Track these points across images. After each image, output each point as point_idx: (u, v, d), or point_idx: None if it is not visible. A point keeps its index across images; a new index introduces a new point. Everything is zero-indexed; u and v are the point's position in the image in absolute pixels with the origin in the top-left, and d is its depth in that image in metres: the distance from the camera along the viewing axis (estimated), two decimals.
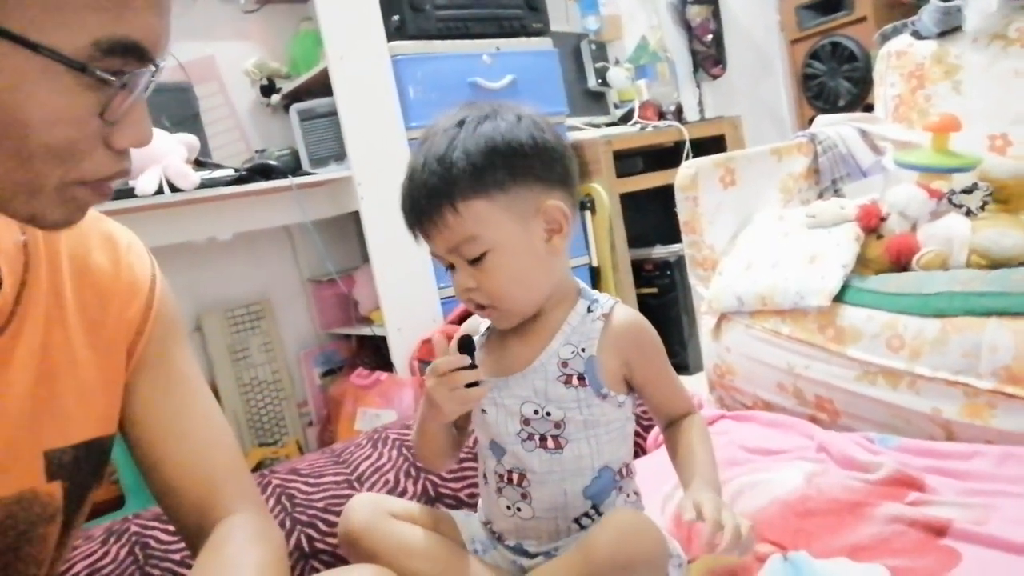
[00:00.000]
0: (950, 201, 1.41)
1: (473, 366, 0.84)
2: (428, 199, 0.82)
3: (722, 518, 0.77)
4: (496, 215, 0.81)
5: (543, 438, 0.88)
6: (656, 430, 1.46)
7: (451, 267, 0.86)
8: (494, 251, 0.82)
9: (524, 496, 0.89)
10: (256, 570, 0.69)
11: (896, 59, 1.93)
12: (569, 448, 0.87)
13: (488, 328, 0.94)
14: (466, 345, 0.86)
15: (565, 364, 0.87)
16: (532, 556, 0.91)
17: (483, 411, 0.91)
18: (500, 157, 0.81)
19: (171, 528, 1.02)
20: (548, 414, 0.87)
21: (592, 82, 2.84)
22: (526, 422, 0.88)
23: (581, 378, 0.87)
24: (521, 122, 0.84)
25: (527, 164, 0.83)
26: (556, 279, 0.89)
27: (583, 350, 0.87)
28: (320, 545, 1.09)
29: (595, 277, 2.44)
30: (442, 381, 0.84)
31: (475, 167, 0.80)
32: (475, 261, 0.83)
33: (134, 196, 1.69)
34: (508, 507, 0.91)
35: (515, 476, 0.89)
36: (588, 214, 2.44)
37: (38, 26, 0.50)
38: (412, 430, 1.11)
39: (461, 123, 0.83)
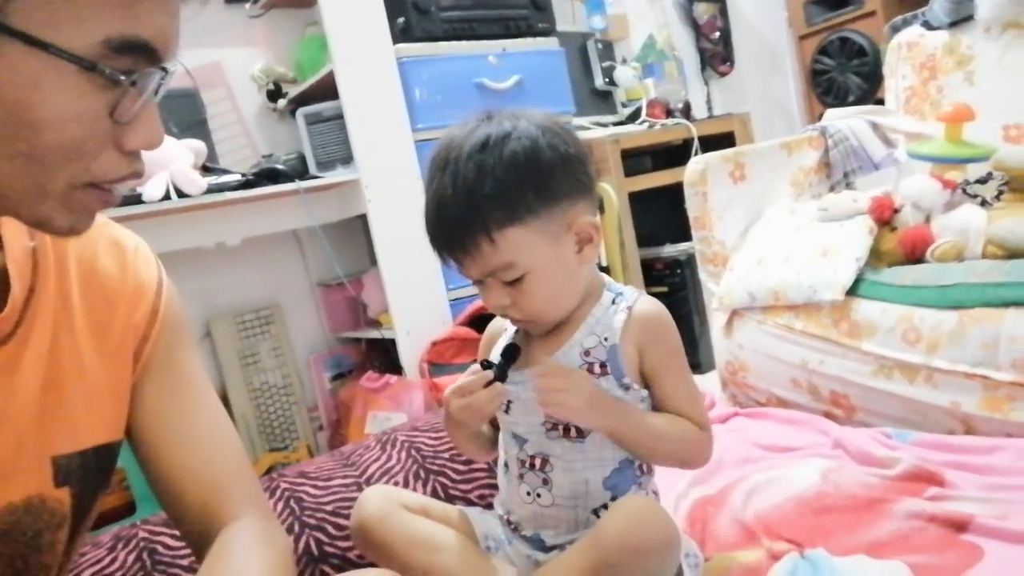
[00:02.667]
0: (964, 191, 1.39)
1: (500, 377, 0.86)
2: (462, 230, 0.81)
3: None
4: (531, 239, 0.81)
5: (567, 428, 0.88)
6: None
7: (479, 282, 0.86)
8: (531, 273, 0.82)
9: (545, 482, 0.89)
10: (261, 575, 0.67)
11: (907, 50, 1.91)
12: (591, 437, 0.87)
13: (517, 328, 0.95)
14: (507, 353, 0.88)
15: (587, 353, 0.87)
16: (547, 550, 0.90)
17: (506, 409, 0.91)
18: (530, 181, 0.80)
19: (179, 533, 1.02)
20: None
21: (599, 81, 2.83)
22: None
23: (603, 366, 0.87)
24: (543, 136, 0.82)
25: (555, 182, 0.82)
26: (586, 282, 0.89)
27: (606, 339, 0.87)
28: (329, 549, 1.08)
29: None
30: (465, 401, 0.86)
31: (508, 195, 0.80)
32: (511, 282, 0.83)
33: (141, 202, 1.69)
34: (528, 493, 0.90)
35: (538, 461, 0.89)
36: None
37: (48, 25, 0.51)
38: (427, 433, 1.11)
39: (484, 145, 0.81)
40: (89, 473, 0.71)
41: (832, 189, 1.88)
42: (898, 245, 1.41)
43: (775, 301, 1.51)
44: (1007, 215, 1.30)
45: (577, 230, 0.85)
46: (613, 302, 0.89)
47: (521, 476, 0.91)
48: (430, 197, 0.84)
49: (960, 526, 0.95)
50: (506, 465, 0.95)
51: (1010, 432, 1.17)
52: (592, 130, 2.60)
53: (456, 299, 2.11)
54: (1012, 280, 1.18)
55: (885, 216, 1.46)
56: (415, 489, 1.17)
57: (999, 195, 1.35)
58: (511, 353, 0.88)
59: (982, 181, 1.38)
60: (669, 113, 2.78)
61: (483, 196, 0.79)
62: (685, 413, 0.88)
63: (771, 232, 1.66)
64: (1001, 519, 0.94)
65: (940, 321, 1.25)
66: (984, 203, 1.36)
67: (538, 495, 0.90)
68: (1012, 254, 1.25)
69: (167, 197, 1.71)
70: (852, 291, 1.39)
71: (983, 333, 1.18)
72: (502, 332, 0.97)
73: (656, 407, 0.90)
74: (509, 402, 0.90)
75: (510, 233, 0.80)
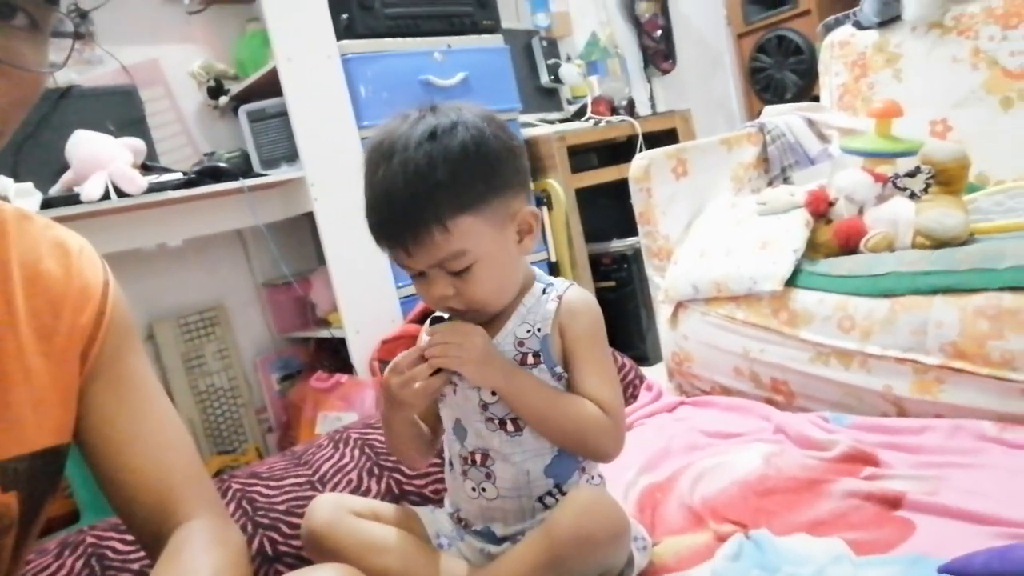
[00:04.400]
0: (895, 185, 1.45)
1: None
2: (415, 218, 0.80)
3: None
4: (480, 228, 0.82)
5: (502, 421, 0.90)
6: None
7: (420, 275, 0.86)
8: (478, 262, 0.83)
9: (488, 476, 0.91)
10: (213, 574, 0.67)
11: (840, 49, 1.98)
12: (527, 430, 0.89)
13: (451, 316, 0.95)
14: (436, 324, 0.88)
15: (521, 343, 0.89)
16: (499, 542, 0.92)
17: (444, 394, 0.92)
18: (480, 170, 0.82)
19: (128, 538, 1.00)
20: None
21: (544, 79, 2.85)
22: (484, 406, 0.90)
23: (536, 355, 0.89)
24: (488, 127, 0.84)
25: (501, 172, 0.84)
26: (523, 273, 0.91)
27: (539, 329, 0.89)
28: (284, 548, 1.07)
29: (553, 272, 2.45)
30: (405, 377, 0.86)
31: (460, 183, 0.80)
32: (458, 272, 0.83)
33: (79, 202, 1.65)
34: (473, 488, 0.92)
35: (479, 456, 0.91)
36: (545, 210, 2.45)
37: None
38: (380, 430, 1.10)
39: (433, 135, 0.81)
40: (37, 477, 0.69)
41: (770, 184, 1.94)
42: (833, 237, 1.46)
43: (717, 292, 1.55)
44: (934, 207, 1.36)
45: (519, 220, 0.87)
46: (544, 292, 0.92)
47: (465, 472, 0.93)
48: (376, 187, 0.83)
49: (894, 503, 0.99)
50: (451, 463, 0.96)
51: (939, 413, 1.22)
52: (539, 127, 2.62)
53: (406, 296, 2.11)
54: (939, 268, 1.24)
55: (820, 209, 1.52)
56: (369, 487, 1.18)
57: (927, 188, 1.41)
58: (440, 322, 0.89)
59: (911, 175, 1.44)
60: (614, 110, 2.82)
61: (435, 184, 0.80)
62: (593, 396, 0.88)
63: (713, 226, 1.70)
64: (931, 495, 0.98)
65: (872, 309, 1.30)
66: (913, 195, 1.42)
67: (483, 489, 0.91)
68: (939, 244, 1.31)
69: (106, 197, 1.67)
70: (790, 282, 1.43)
71: (912, 319, 1.24)
72: (443, 318, 0.98)
73: (571, 386, 0.90)
74: (455, 386, 0.91)
75: (462, 221, 0.81)
